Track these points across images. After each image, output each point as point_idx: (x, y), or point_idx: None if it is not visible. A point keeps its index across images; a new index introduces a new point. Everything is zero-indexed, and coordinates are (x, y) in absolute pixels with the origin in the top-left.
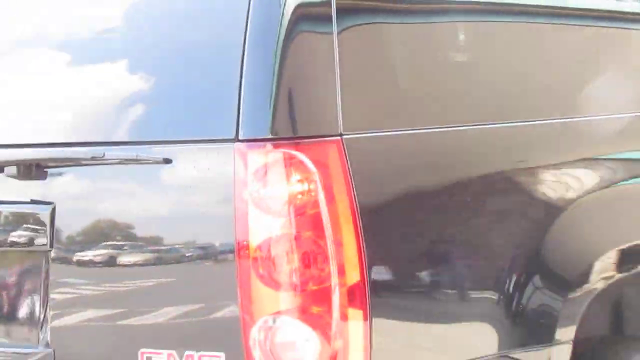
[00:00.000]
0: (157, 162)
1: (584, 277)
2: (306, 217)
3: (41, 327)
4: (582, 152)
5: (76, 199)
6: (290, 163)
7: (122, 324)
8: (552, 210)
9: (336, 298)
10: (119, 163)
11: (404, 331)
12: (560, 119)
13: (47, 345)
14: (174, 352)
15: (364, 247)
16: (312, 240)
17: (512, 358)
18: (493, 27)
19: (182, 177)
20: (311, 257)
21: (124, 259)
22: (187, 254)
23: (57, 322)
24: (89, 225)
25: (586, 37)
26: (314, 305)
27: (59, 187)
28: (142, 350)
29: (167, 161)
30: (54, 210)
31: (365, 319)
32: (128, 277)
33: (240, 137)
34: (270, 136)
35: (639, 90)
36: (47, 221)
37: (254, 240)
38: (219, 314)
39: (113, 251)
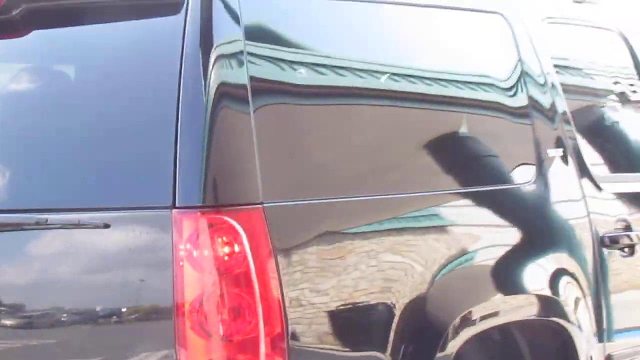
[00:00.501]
0: (98, 227)
1: (445, 338)
2: (234, 275)
3: None
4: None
5: (15, 261)
6: (220, 228)
7: None
8: (419, 280)
9: (262, 347)
10: (61, 228)
11: None
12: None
13: None
14: None
15: (283, 301)
16: (239, 295)
17: None
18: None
19: (123, 241)
20: (239, 311)
21: (65, 317)
22: (129, 310)
23: None
24: (30, 286)
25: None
26: (240, 354)
27: None
28: None
29: (107, 226)
30: None
31: None
32: (68, 333)
33: (176, 205)
34: (202, 204)
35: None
36: None
37: (189, 296)
38: None
39: (54, 311)
